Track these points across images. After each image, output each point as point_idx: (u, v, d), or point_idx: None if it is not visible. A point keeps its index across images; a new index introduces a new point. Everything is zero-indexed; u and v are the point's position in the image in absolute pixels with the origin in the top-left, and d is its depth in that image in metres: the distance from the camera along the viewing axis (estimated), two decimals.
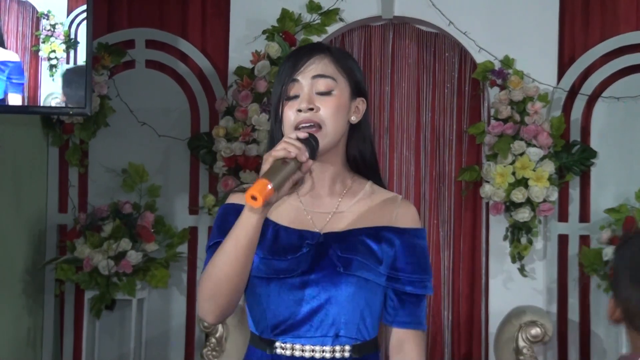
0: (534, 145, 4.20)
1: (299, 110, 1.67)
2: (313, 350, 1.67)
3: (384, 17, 4.47)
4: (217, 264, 1.61)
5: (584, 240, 4.39)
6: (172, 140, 4.59)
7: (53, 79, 3.74)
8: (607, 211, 4.24)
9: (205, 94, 4.60)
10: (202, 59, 4.60)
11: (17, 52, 3.71)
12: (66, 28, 3.76)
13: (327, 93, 1.69)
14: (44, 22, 3.75)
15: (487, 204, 4.38)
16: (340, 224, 1.71)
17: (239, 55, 4.45)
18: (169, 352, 4.61)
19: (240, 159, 4.26)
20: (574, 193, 4.42)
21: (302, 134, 1.62)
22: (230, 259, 1.60)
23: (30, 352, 4.54)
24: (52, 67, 3.74)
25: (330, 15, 4.44)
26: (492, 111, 4.31)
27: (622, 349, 4.08)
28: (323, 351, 1.67)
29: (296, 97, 1.69)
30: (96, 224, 4.40)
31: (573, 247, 4.39)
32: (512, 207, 4.22)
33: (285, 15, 4.41)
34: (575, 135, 4.40)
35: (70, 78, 3.70)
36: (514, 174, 4.19)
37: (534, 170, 4.17)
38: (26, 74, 3.71)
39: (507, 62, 4.32)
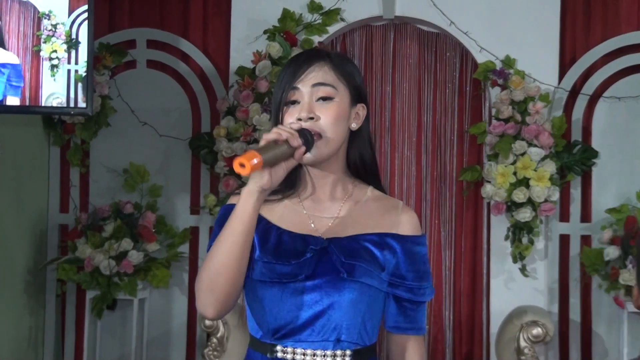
0: (535, 145, 4.20)
1: (299, 120, 1.67)
2: (314, 355, 1.67)
3: (385, 17, 4.47)
4: (214, 254, 1.62)
5: (585, 240, 4.39)
6: (173, 140, 4.59)
7: (54, 79, 3.74)
8: (608, 211, 4.24)
9: (207, 94, 4.60)
10: (203, 59, 4.60)
11: (18, 52, 3.71)
12: (67, 28, 3.76)
13: (327, 101, 1.69)
14: (45, 22, 3.75)
15: (489, 204, 4.38)
16: (342, 229, 1.71)
17: (240, 55, 4.45)
18: (170, 352, 4.61)
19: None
20: (575, 193, 4.42)
21: (296, 126, 1.63)
22: (227, 248, 1.60)
23: (32, 352, 4.54)
24: (53, 67, 3.74)
25: (332, 15, 4.44)
26: (494, 111, 4.31)
27: (624, 349, 4.09)
28: (324, 355, 1.67)
29: (296, 102, 1.69)
30: (97, 224, 4.40)
31: (574, 247, 4.39)
32: (513, 207, 4.22)
33: (286, 15, 4.41)
34: (576, 135, 4.39)
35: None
36: (515, 174, 4.19)
37: (535, 170, 4.17)
38: (27, 74, 3.71)
39: (509, 62, 4.32)
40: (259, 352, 1.70)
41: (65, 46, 3.75)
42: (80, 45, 3.76)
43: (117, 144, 4.62)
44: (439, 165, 4.58)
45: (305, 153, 1.63)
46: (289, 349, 1.67)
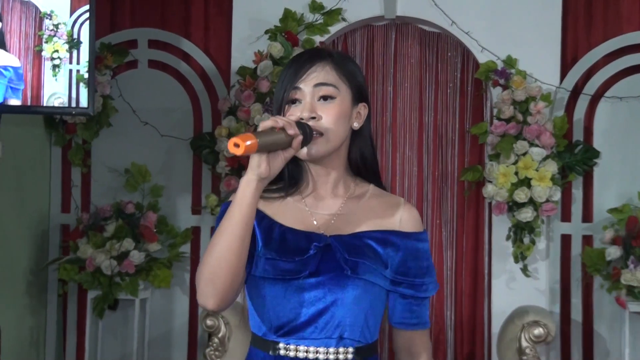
0: (537, 145, 4.20)
1: (301, 119, 1.67)
2: (317, 352, 1.67)
3: (387, 17, 4.47)
4: (214, 245, 1.62)
5: (587, 240, 4.39)
6: (174, 140, 4.59)
7: (56, 79, 3.74)
8: (610, 211, 4.24)
9: (208, 94, 4.60)
10: (205, 59, 4.60)
11: (19, 52, 3.71)
12: (69, 28, 3.76)
13: (328, 100, 1.69)
14: (46, 22, 3.75)
15: (490, 204, 4.38)
16: (345, 227, 1.72)
17: (241, 55, 4.45)
18: (171, 352, 4.61)
19: (242, 159, 4.26)
20: (577, 193, 4.42)
21: (294, 117, 1.64)
22: (227, 238, 1.60)
23: (33, 352, 4.54)
24: (55, 67, 3.74)
25: (333, 15, 4.44)
26: (495, 111, 4.31)
27: (625, 349, 4.08)
28: (327, 352, 1.67)
29: (298, 101, 1.70)
30: (99, 224, 4.41)
31: (576, 247, 4.39)
32: (514, 207, 4.22)
33: (287, 15, 4.41)
34: (578, 135, 4.39)
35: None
36: (516, 174, 4.19)
37: (536, 170, 4.17)
38: (29, 74, 3.71)
39: (510, 62, 4.32)
40: (261, 350, 1.70)
41: (66, 46, 3.75)
42: (82, 45, 3.76)
43: (119, 144, 4.62)
44: (441, 165, 4.58)
45: (303, 144, 1.63)
46: (292, 347, 1.67)
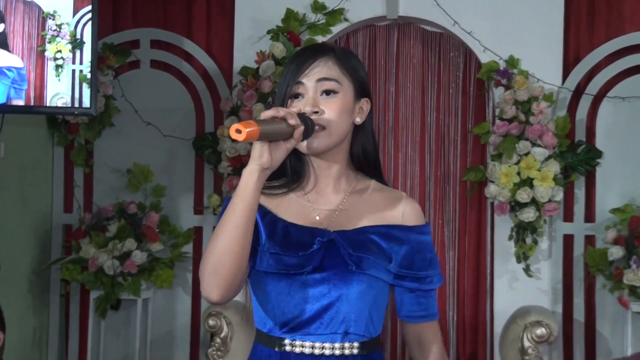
0: (539, 145, 4.20)
1: (304, 113, 1.67)
2: (323, 347, 1.67)
3: (389, 17, 4.47)
4: (217, 236, 1.61)
5: (590, 240, 4.39)
6: (177, 140, 4.60)
7: (59, 79, 3.74)
8: (612, 211, 4.24)
9: (210, 94, 4.61)
10: (207, 59, 4.61)
11: (22, 52, 3.71)
12: (72, 28, 3.76)
13: (331, 95, 1.70)
14: (49, 22, 3.75)
15: (492, 204, 4.38)
16: (347, 221, 1.72)
17: (243, 55, 4.46)
18: (174, 352, 4.61)
19: (245, 158, 4.26)
20: (579, 193, 4.42)
21: (295, 109, 1.64)
22: (230, 228, 1.60)
23: (36, 352, 4.55)
24: (58, 67, 3.74)
25: (335, 15, 4.44)
26: (497, 111, 4.31)
27: (628, 349, 4.08)
28: (333, 348, 1.67)
29: (301, 95, 1.70)
30: (101, 224, 4.41)
31: (578, 247, 4.39)
32: (517, 207, 4.22)
33: (289, 15, 4.41)
34: (580, 135, 4.39)
35: None
36: (519, 174, 4.19)
37: (539, 170, 4.17)
38: (32, 74, 3.71)
39: (512, 62, 4.32)
40: (266, 346, 1.70)
41: (69, 46, 3.76)
42: (84, 45, 3.77)
43: (121, 144, 4.63)
44: (443, 165, 4.58)
45: (305, 136, 1.63)
46: (298, 343, 1.67)
